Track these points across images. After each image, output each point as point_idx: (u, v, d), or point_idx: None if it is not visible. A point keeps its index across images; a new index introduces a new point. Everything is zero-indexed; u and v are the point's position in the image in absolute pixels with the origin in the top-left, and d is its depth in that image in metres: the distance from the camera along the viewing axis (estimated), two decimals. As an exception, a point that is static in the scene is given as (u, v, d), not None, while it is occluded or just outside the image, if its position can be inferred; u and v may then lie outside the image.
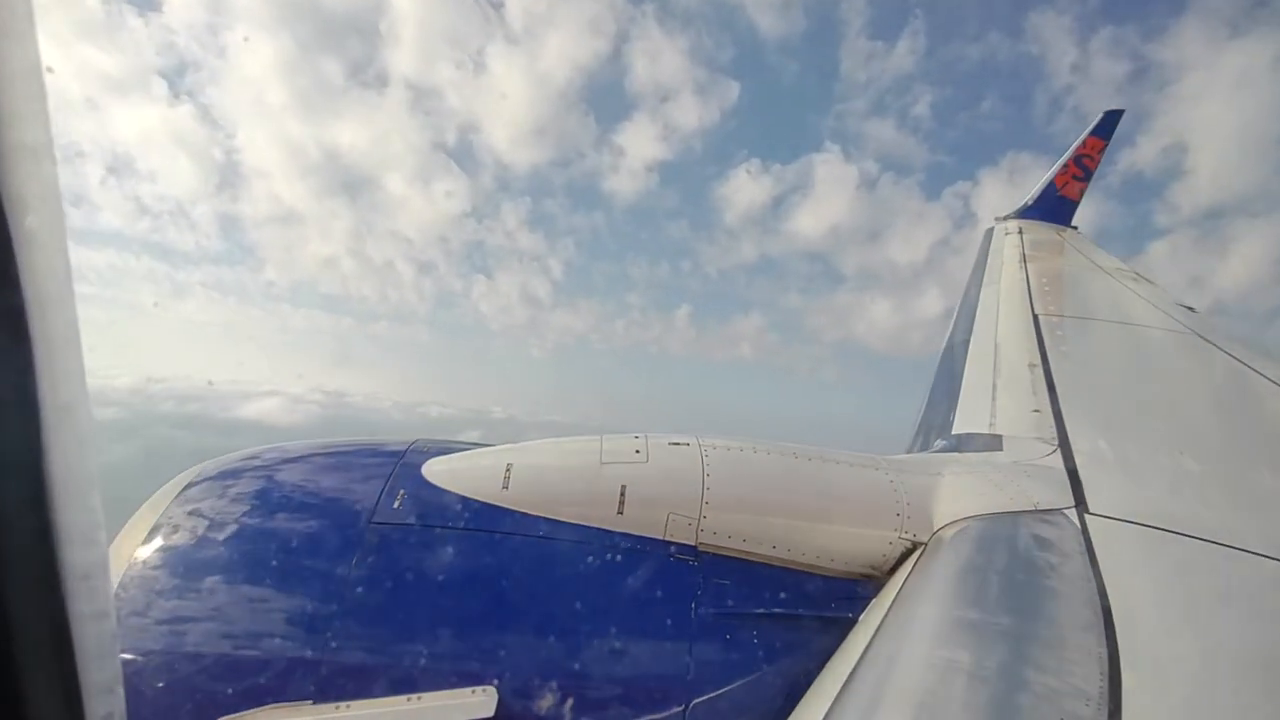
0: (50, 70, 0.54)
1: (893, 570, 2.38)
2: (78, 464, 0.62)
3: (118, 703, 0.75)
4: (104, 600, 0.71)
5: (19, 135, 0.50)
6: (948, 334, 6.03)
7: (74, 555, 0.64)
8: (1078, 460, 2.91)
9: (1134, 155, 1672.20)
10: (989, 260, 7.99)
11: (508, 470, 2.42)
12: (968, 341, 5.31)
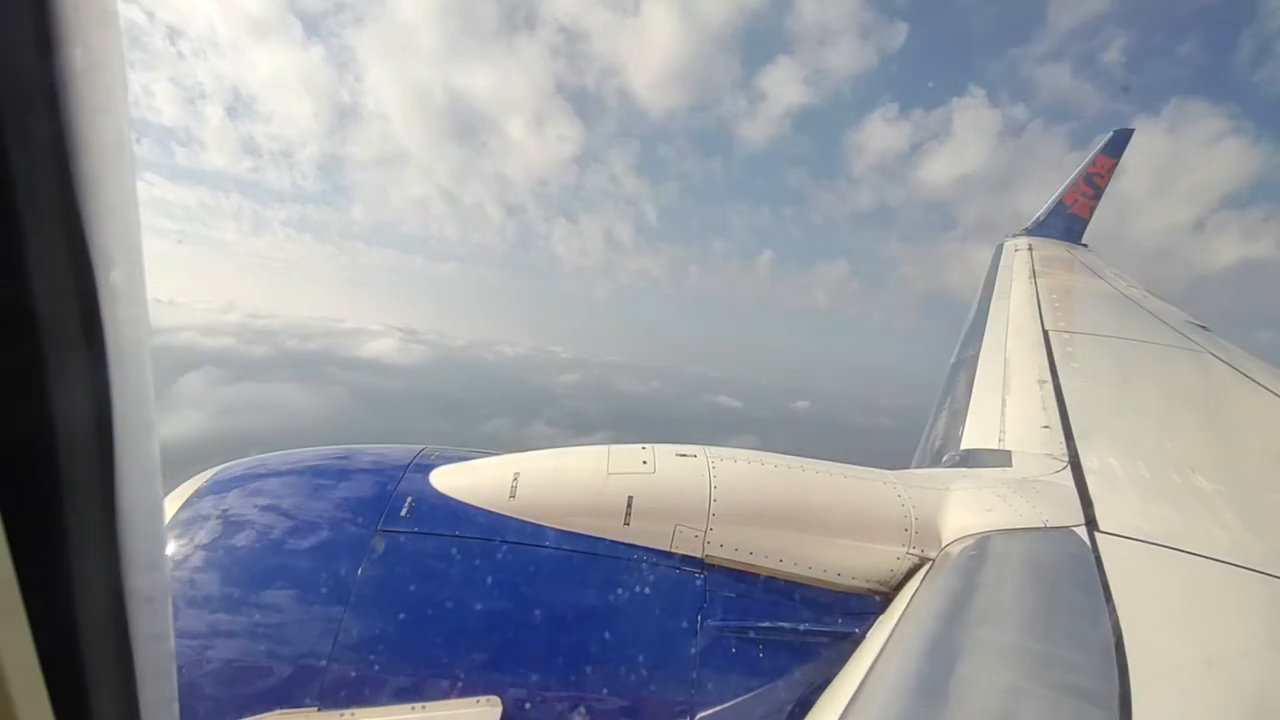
0: (138, 141, 0.62)
1: (900, 585, 2.37)
2: (144, 496, 0.68)
3: (173, 718, 0.80)
4: (164, 622, 0.75)
5: (108, 198, 0.57)
6: (957, 348, 6.01)
7: (139, 580, 0.69)
8: (1088, 477, 2.89)
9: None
10: (999, 276, 7.99)
11: (515, 479, 2.42)
12: (977, 356, 5.28)
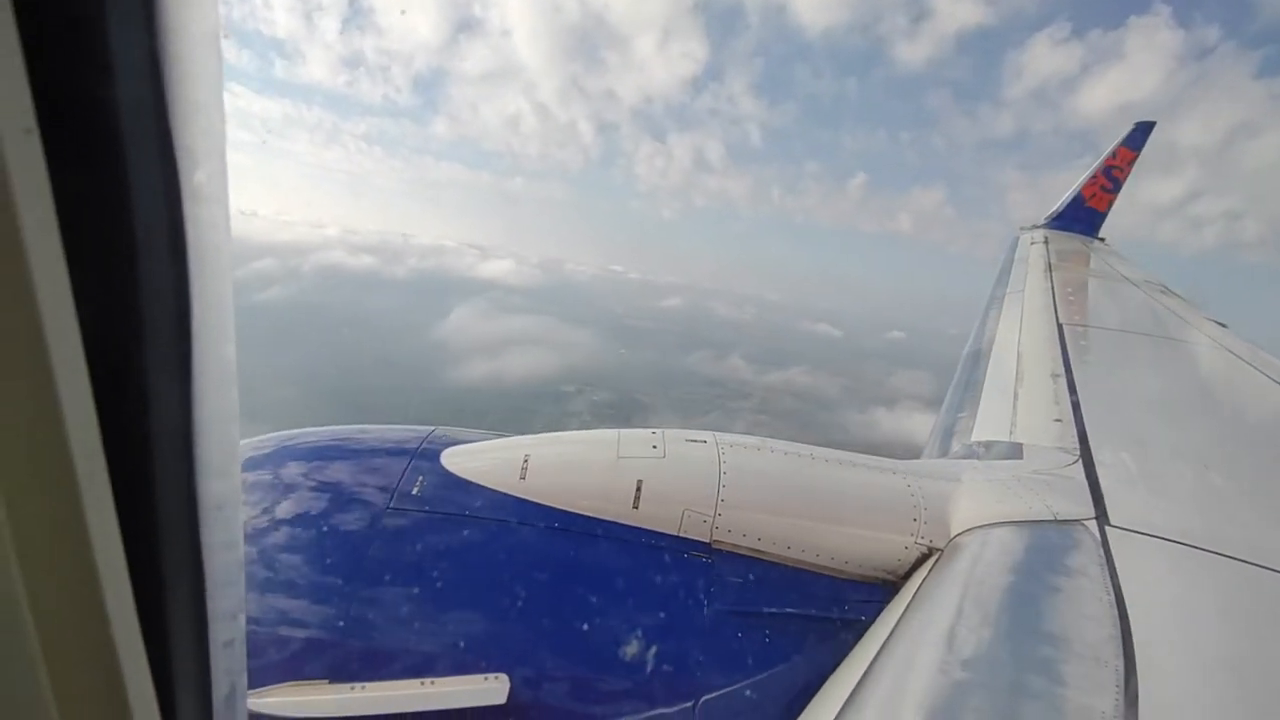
0: (226, 36, 0.61)
1: (907, 575, 2.37)
2: (219, 400, 0.67)
3: (239, 629, 0.79)
4: (234, 530, 0.75)
5: (194, 95, 0.55)
6: (970, 340, 5.98)
7: (210, 486, 0.68)
8: (1099, 471, 2.87)
9: None
10: (1014, 268, 7.92)
11: (525, 461, 2.44)
12: (990, 348, 5.25)
